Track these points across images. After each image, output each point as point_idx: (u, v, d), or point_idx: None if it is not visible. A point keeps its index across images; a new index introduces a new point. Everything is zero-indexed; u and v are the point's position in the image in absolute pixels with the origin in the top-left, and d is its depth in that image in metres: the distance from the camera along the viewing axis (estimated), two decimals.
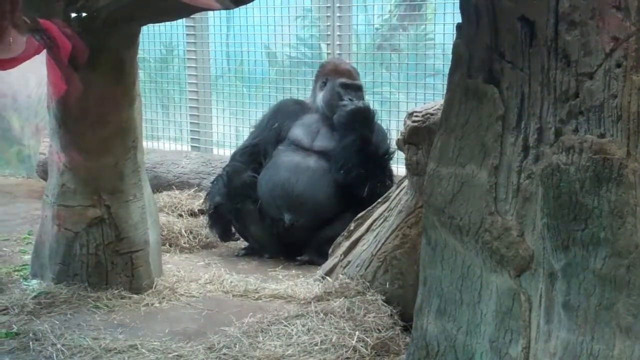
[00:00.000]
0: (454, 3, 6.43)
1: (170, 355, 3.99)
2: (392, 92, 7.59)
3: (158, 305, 4.79)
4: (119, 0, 4.28)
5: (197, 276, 5.29)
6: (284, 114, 6.26)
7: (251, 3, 5.37)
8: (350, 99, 5.97)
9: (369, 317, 4.19)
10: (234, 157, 6.37)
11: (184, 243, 6.19)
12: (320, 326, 4.12)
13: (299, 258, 5.84)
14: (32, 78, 8.66)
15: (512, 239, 2.87)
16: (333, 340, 3.98)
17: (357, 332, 4.03)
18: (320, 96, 6.17)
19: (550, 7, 2.67)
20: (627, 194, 2.49)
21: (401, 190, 4.57)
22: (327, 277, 4.85)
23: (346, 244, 4.89)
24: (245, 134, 8.00)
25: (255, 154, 6.21)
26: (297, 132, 6.09)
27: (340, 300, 4.38)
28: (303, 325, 4.15)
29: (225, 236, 6.22)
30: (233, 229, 6.21)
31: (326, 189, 5.85)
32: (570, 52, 2.63)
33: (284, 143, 6.09)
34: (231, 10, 7.79)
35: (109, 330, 4.35)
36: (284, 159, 5.96)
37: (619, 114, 2.51)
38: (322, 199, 5.83)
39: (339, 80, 6.11)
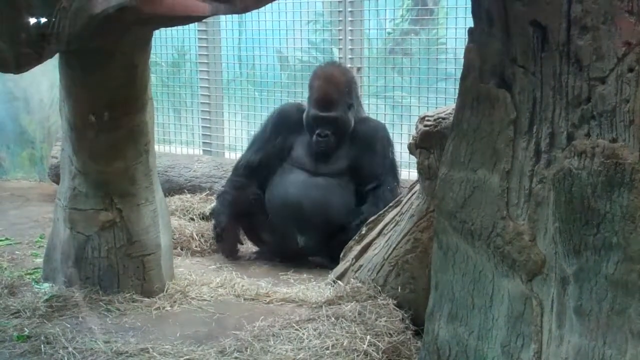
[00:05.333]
0: (466, 7, 6.41)
1: (182, 358, 3.99)
2: (404, 97, 7.59)
3: (169, 308, 4.79)
4: None
5: (209, 280, 5.29)
6: (287, 126, 6.12)
7: (263, 7, 5.36)
8: (320, 135, 5.85)
9: (380, 322, 4.19)
10: (237, 171, 6.27)
11: (196, 247, 6.19)
12: (332, 330, 4.12)
13: (310, 258, 5.84)
14: (45, 81, 8.69)
15: (524, 243, 2.87)
16: (344, 344, 3.97)
17: (368, 337, 4.03)
18: (304, 114, 6.06)
19: (563, 12, 2.67)
20: (639, 199, 2.48)
21: (413, 195, 4.57)
22: (339, 281, 4.85)
23: (357, 248, 4.89)
24: None
25: (259, 168, 6.12)
26: (300, 153, 6.01)
27: (352, 304, 4.38)
28: (314, 329, 4.15)
29: (232, 254, 6.13)
30: (239, 247, 6.22)
31: (338, 204, 5.81)
32: (582, 56, 2.63)
33: (289, 161, 6.02)
34: (243, 15, 7.81)
35: (121, 334, 4.35)
36: (291, 177, 5.93)
37: (631, 119, 2.51)
38: (335, 214, 5.77)
39: (312, 111, 5.90)
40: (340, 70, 6.21)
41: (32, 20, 3.77)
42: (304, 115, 5.98)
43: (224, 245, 6.13)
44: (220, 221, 6.07)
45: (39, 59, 3.92)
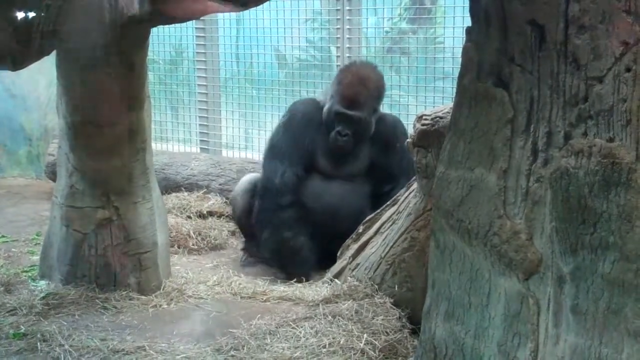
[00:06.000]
0: (463, 7, 6.42)
1: (178, 356, 3.99)
2: (402, 96, 7.58)
3: (166, 306, 4.79)
4: None
5: (206, 278, 5.29)
6: (312, 128, 5.78)
7: (261, 5, 5.35)
8: (340, 133, 5.63)
9: (377, 320, 4.19)
10: (284, 188, 5.65)
11: (193, 245, 6.19)
12: (329, 328, 4.12)
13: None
14: (42, 79, 8.68)
15: (521, 242, 2.86)
16: (341, 342, 3.98)
17: (365, 335, 4.03)
18: (325, 107, 5.81)
19: (560, 11, 2.67)
20: (636, 198, 2.48)
21: (410, 193, 4.57)
22: (336, 280, 4.86)
23: (355, 246, 4.89)
24: (254, 136, 8.03)
25: (295, 178, 5.67)
26: (319, 155, 5.74)
27: (349, 302, 4.39)
28: (311, 328, 4.15)
29: (309, 274, 5.53)
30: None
31: (350, 212, 5.54)
32: (579, 56, 2.63)
33: (311, 168, 5.74)
34: (241, 13, 7.81)
35: (117, 332, 4.35)
36: (307, 182, 5.70)
37: (628, 118, 2.51)
38: (346, 223, 5.37)
39: (336, 107, 5.66)
40: (374, 73, 5.92)
41: (21, 15, 3.76)
42: (326, 109, 5.76)
43: (303, 265, 5.56)
44: (292, 240, 5.58)
45: (25, 54, 3.91)
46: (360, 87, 5.71)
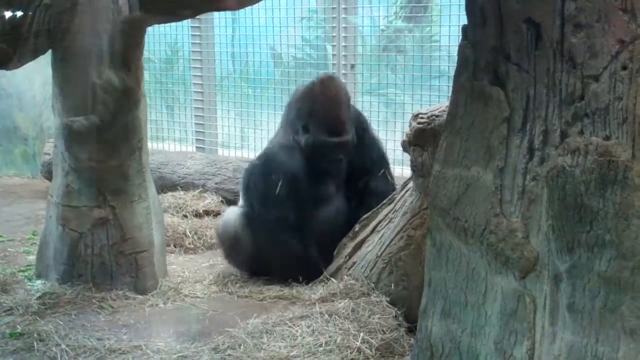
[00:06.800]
0: (459, 5, 6.42)
1: (175, 356, 3.99)
2: (397, 94, 7.59)
3: (162, 305, 4.79)
4: None
5: (202, 277, 5.29)
6: (299, 174, 5.28)
7: (257, 4, 5.34)
8: (333, 161, 5.27)
9: (373, 319, 4.19)
10: (308, 247, 5.29)
11: (189, 244, 6.19)
12: (325, 327, 4.12)
13: None
14: (38, 78, 8.67)
15: (517, 240, 2.86)
16: (337, 341, 3.98)
17: (361, 334, 4.03)
18: (303, 143, 5.28)
19: (556, 9, 2.67)
20: (632, 196, 2.48)
21: (406, 192, 4.57)
22: (332, 279, 4.85)
23: (351, 245, 4.89)
24: (250, 134, 8.01)
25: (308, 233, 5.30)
26: (319, 189, 5.35)
27: (345, 301, 4.39)
28: (308, 326, 4.15)
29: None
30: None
31: (342, 223, 5.26)
32: (575, 54, 2.63)
33: (313, 200, 5.37)
34: (236, 12, 7.81)
35: (114, 331, 4.35)
36: (326, 218, 5.37)
37: (624, 116, 2.51)
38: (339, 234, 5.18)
39: (322, 137, 5.20)
40: (341, 86, 5.44)
41: (8, 14, 3.74)
42: (308, 143, 5.25)
43: (310, 270, 5.19)
44: (293, 245, 5.25)
45: (12, 53, 3.90)
46: (338, 108, 5.26)
